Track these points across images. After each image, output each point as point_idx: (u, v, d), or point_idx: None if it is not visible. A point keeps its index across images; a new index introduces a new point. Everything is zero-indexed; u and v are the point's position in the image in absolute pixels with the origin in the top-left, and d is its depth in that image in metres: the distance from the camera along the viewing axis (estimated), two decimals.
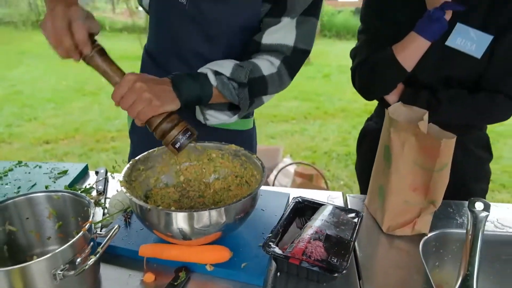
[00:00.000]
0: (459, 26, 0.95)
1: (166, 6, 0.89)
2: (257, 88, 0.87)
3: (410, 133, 0.76)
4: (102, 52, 0.70)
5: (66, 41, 0.66)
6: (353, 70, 1.06)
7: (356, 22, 8.79)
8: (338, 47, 7.88)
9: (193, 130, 0.74)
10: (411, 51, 0.95)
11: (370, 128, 1.21)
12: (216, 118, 0.91)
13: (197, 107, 0.91)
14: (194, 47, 0.91)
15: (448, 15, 0.92)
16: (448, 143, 0.71)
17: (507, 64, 0.95)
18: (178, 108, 0.74)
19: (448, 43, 0.96)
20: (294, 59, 0.89)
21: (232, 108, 0.91)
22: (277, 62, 0.87)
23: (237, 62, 0.85)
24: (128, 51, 5.87)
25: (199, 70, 0.82)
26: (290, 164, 2.42)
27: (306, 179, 2.28)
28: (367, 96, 1.07)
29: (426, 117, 0.79)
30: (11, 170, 1.04)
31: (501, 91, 0.96)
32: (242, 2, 0.86)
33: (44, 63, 6.03)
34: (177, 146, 0.72)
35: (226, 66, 0.82)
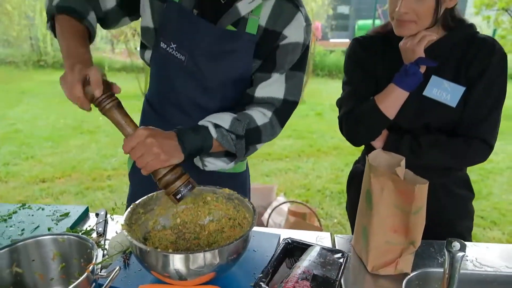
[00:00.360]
0: (433, 78, 1.05)
1: (166, 62, 0.98)
2: (252, 138, 0.96)
3: (388, 178, 0.83)
4: (119, 105, 0.77)
5: (79, 92, 0.73)
6: (340, 119, 1.15)
7: None
8: (330, 86, 8.14)
9: (194, 182, 0.81)
10: (391, 101, 1.04)
11: (357, 171, 1.29)
12: (214, 164, 0.98)
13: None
14: (192, 98, 1.00)
15: (422, 69, 1.02)
16: (422, 188, 0.78)
17: (479, 112, 1.04)
18: (182, 160, 0.81)
19: (425, 93, 1.05)
20: (284, 110, 0.99)
21: (229, 155, 0.98)
22: (269, 113, 0.97)
23: (235, 115, 0.94)
24: (126, 90, 6.02)
25: (200, 123, 0.91)
26: (284, 202, 2.47)
27: (300, 218, 2.32)
28: (355, 143, 1.16)
29: (403, 163, 0.87)
30: (15, 212, 1.09)
31: (476, 136, 1.04)
32: (236, 60, 0.95)
33: (44, 101, 6.16)
34: (178, 197, 0.78)
35: (225, 120, 0.91)
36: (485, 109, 1.03)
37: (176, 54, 0.95)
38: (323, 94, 7.30)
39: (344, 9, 13.78)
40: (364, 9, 11.78)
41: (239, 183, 1.15)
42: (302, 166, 3.87)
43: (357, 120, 1.09)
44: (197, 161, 0.99)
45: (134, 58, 7.27)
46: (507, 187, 3.37)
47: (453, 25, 1.05)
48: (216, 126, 0.90)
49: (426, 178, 1.04)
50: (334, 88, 7.93)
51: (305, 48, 0.98)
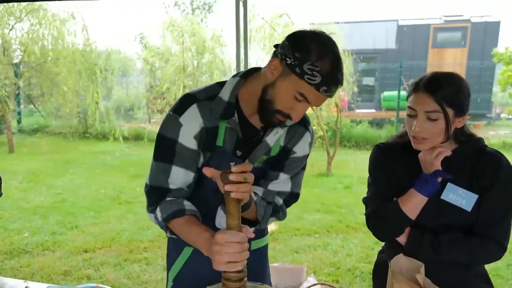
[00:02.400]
0: (449, 185, 1.20)
1: (208, 187, 1.15)
2: (273, 210, 1.17)
3: (409, 285, 0.96)
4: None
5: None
6: (367, 216, 1.30)
7: (373, 133, 9.19)
8: (358, 157, 8.25)
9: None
10: (413, 204, 1.19)
11: (382, 261, 1.40)
12: None
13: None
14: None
15: (439, 179, 1.18)
16: None
17: (493, 217, 1.18)
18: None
19: (443, 197, 1.20)
20: (290, 200, 1.23)
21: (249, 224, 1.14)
22: (280, 200, 1.20)
23: (263, 189, 1.16)
24: None
25: None
26: (315, 284, 2.51)
27: None
28: (381, 239, 1.31)
29: (422, 269, 1.00)
30: None
31: (491, 238, 1.17)
32: (261, 172, 1.18)
33: (87, 171, 6.64)
34: None
35: (258, 190, 1.13)
36: (498, 215, 1.17)
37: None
38: (351, 165, 7.41)
39: (369, 81, 14.31)
40: (388, 81, 12.22)
41: (262, 255, 1.33)
42: (331, 242, 3.89)
43: (382, 220, 1.24)
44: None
45: None
46: None
47: (464, 139, 1.22)
48: (254, 193, 1.10)
49: (448, 271, 1.19)
50: (361, 160, 8.03)
51: (308, 156, 1.23)
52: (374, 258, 3.72)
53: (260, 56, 6.92)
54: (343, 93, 7.96)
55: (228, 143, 1.12)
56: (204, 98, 1.11)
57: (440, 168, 1.18)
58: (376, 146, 1.36)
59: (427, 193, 1.18)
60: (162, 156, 1.11)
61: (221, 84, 1.14)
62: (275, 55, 1.03)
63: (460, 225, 1.20)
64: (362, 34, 13.26)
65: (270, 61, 1.03)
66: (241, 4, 2.78)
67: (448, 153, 1.18)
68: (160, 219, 1.09)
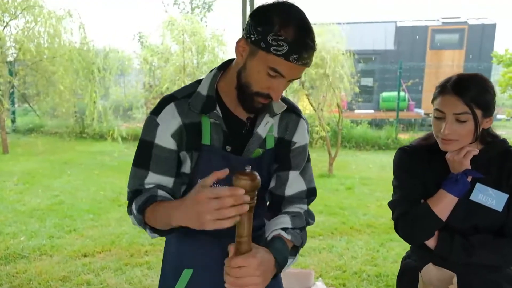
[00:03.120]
0: (478, 185, 1.18)
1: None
2: (304, 228, 1.10)
3: None
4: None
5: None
6: (396, 220, 1.27)
7: (373, 133, 9.20)
8: (358, 158, 8.22)
9: None
10: (443, 205, 1.16)
11: (408, 267, 1.35)
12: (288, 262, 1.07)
13: None
14: None
15: (469, 178, 1.15)
16: None
17: None
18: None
19: (472, 198, 1.17)
20: (310, 198, 1.18)
21: (292, 250, 1.07)
22: (304, 206, 1.15)
23: (288, 214, 1.07)
24: None
25: (272, 235, 1.02)
26: None
27: None
28: (411, 243, 1.27)
29: (455, 280, 0.94)
30: None
31: None
32: (263, 170, 1.11)
33: (85, 172, 6.53)
34: None
35: (285, 222, 1.05)
36: None
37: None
38: (352, 166, 7.36)
39: (368, 81, 14.31)
40: (387, 81, 12.22)
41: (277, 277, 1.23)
42: (336, 245, 3.83)
43: (412, 223, 1.21)
44: None
45: None
46: None
47: (490, 139, 1.22)
48: (285, 229, 1.03)
49: (479, 275, 1.15)
50: (362, 160, 8.00)
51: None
52: (380, 261, 3.66)
53: None
54: (344, 93, 7.92)
55: (216, 139, 1.07)
56: (182, 96, 1.07)
57: (470, 167, 1.16)
58: (400, 149, 1.33)
59: (458, 193, 1.15)
60: (138, 160, 1.08)
61: (200, 82, 1.10)
62: (242, 37, 0.99)
63: (489, 226, 1.17)
64: (361, 35, 13.26)
65: (237, 43, 0.98)
66: (248, 2, 2.71)
67: (476, 152, 1.17)
68: (135, 213, 1.01)
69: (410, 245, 1.37)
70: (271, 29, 0.90)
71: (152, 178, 1.06)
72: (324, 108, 6.52)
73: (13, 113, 10.23)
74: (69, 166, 6.97)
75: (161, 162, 1.05)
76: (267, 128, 1.09)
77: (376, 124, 11.00)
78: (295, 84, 6.31)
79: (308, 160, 1.18)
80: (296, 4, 0.97)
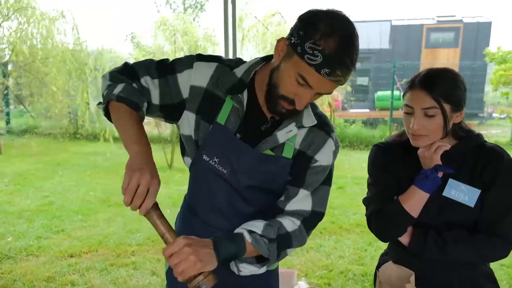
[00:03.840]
0: (451, 181, 1.17)
1: (208, 171, 1.08)
2: (283, 243, 1.04)
3: None
4: (156, 207, 0.90)
5: (139, 203, 0.87)
6: (368, 217, 1.26)
7: (367, 133, 9.20)
8: (352, 157, 8.22)
9: (213, 281, 0.90)
10: (414, 201, 1.16)
11: (386, 263, 1.34)
12: (247, 269, 1.06)
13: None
14: (231, 204, 1.09)
15: (440, 174, 1.14)
16: None
17: (497, 212, 1.14)
18: (215, 267, 0.91)
19: (445, 194, 1.17)
20: (311, 220, 1.09)
21: (260, 261, 1.06)
22: (297, 222, 1.06)
23: (266, 221, 1.04)
24: (157, 162, 6.30)
25: (235, 231, 1.01)
26: None
27: None
28: (383, 240, 1.26)
29: (412, 279, 0.93)
30: None
31: (497, 234, 1.13)
32: (273, 178, 1.07)
33: (77, 173, 6.52)
34: None
35: (258, 226, 1.02)
36: (502, 209, 1.14)
37: (218, 167, 1.06)
38: (345, 166, 7.36)
39: (363, 81, 14.33)
40: (382, 81, 12.22)
41: (270, 281, 1.22)
42: (324, 244, 3.83)
43: (384, 219, 1.20)
44: (232, 266, 1.07)
45: (161, 129, 7.71)
46: None
47: (463, 134, 1.20)
48: (250, 232, 1.00)
49: (452, 270, 1.14)
50: (355, 160, 8.00)
51: (331, 168, 1.11)
52: (367, 260, 3.64)
53: (253, 55, 6.85)
54: (336, 92, 7.92)
55: (232, 123, 1.04)
56: (228, 65, 1.06)
57: (440, 163, 1.15)
58: (375, 146, 1.33)
59: (428, 189, 1.14)
60: (159, 65, 1.07)
61: (243, 62, 1.08)
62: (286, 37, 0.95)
63: (463, 222, 1.17)
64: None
65: (277, 42, 0.95)
66: (229, 1, 2.71)
67: (447, 147, 1.15)
68: (115, 93, 0.99)
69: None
70: (312, 37, 0.86)
71: (151, 84, 1.05)
72: None
73: (8, 114, 10.21)
74: (62, 167, 6.96)
75: (166, 87, 1.05)
76: (288, 136, 1.04)
77: (371, 123, 11.00)
78: None
79: (327, 183, 1.10)
80: (349, 17, 0.92)
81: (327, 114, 7.09)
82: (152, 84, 1.06)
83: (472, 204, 1.14)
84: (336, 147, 1.10)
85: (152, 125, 7.83)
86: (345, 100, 10.58)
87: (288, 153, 1.06)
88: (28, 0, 7.40)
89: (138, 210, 0.88)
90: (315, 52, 0.86)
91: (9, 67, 8.29)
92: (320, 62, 0.86)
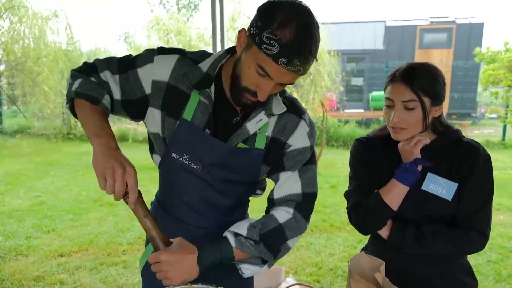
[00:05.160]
0: (429, 175, 1.20)
1: (178, 168, 1.07)
2: (274, 239, 1.02)
3: (366, 285, 0.91)
4: (143, 203, 0.92)
5: (120, 196, 0.88)
6: (349, 210, 1.28)
7: (361, 132, 9.23)
8: (345, 157, 8.21)
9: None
10: (394, 194, 1.17)
11: None
12: (249, 270, 1.05)
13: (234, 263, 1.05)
14: (205, 198, 1.08)
15: (419, 167, 1.17)
16: None
17: (473, 205, 1.17)
18: (197, 276, 0.93)
19: (423, 187, 1.19)
20: (304, 204, 1.06)
21: (264, 260, 1.05)
22: (290, 210, 1.04)
23: (252, 222, 1.03)
24: (147, 161, 6.30)
25: (224, 234, 1.01)
26: (293, 285, 2.46)
27: None
28: (363, 233, 1.28)
29: (382, 268, 0.95)
30: None
31: (473, 227, 1.16)
32: (247, 169, 1.06)
33: (70, 173, 6.49)
34: None
35: (242, 227, 1.01)
36: (478, 203, 1.17)
37: (190, 163, 1.05)
38: (338, 165, 7.39)
39: (358, 81, 14.38)
40: (377, 81, 12.28)
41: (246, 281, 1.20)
42: (315, 242, 3.85)
43: (364, 212, 1.22)
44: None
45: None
46: None
47: (442, 129, 1.23)
48: (236, 234, 1.00)
49: (432, 265, 1.16)
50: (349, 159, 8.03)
51: (312, 148, 1.09)
52: None
53: None
54: (329, 93, 7.95)
55: (199, 119, 1.03)
56: (190, 58, 1.04)
57: (420, 156, 1.17)
58: (356, 140, 1.35)
59: (408, 182, 1.17)
60: (119, 61, 1.06)
61: (208, 55, 1.06)
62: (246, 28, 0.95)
63: (442, 216, 1.19)
64: (351, 34, 13.33)
65: (238, 33, 0.95)
66: (217, 1, 2.72)
67: (427, 141, 1.18)
68: (73, 89, 1.01)
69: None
70: (269, 26, 0.86)
71: (111, 79, 1.04)
72: (308, 107, 6.54)
73: (0, 114, 10.15)
74: (54, 167, 6.93)
75: (127, 82, 1.04)
76: (258, 125, 1.02)
77: (365, 123, 11.05)
78: None
79: (311, 162, 1.09)
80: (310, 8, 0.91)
81: (320, 114, 7.12)
82: (111, 79, 1.05)
83: (449, 197, 1.16)
84: (311, 128, 1.08)
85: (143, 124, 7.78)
86: (340, 100, 10.61)
87: (260, 143, 1.04)
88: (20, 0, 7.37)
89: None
90: (272, 42, 0.85)
91: (1, 67, 8.25)
92: (277, 52, 0.85)
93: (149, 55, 1.05)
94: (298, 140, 1.06)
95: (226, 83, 1.03)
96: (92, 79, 1.04)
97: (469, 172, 1.17)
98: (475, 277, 1.27)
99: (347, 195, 1.31)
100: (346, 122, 10.21)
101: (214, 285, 1.00)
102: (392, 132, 1.20)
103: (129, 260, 3.40)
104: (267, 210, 1.09)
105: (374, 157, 1.27)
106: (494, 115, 7.26)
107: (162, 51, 1.06)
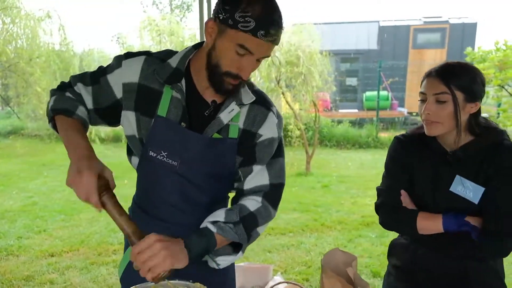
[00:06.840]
0: (457, 178, 1.20)
1: (156, 167, 1.10)
2: (249, 223, 1.07)
3: (337, 279, 0.94)
4: (116, 203, 0.95)
5: (96, 199, 0.92)
6: (378, 206, 1.32)
7: (354, 132, 9.24)
8: (339, 157, 8.29)
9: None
10: (429, 226, 1.20)
11: (397, 243, 1.40)
12: (226, 261, 1.08)
13: (208, 258, 1.08)
14: (184, 195, 1.11)
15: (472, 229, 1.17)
16: None
17: (501, 209, 1.15)
18: (187, 264, 0.94)
19: (451, 189, 1.21)
20: (272, 193, 1.12)
21: (236, 248, 1.09)
22: (259, 198, 1.10)
23: (227, 207, 1.08)
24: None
25: (201, 226, 1.04)
26: (280, 283, 2.48)
27: None
28: (387, 229, 1.32)
29: (354, 263, 0.98)
30: None
31: (503, 230, 1.15)
32: (223, 160, 1.11)
33: (62, 174, 6.48)
34: None
35: (219, 214, 1.05)
36: (507, 207, 1.15)
37: (168, 160, 1.08)
38: (331, 165, 7.43)
39: (352, 81, 14.44)
40: (370, 81, 12.34)
41: (228, 274, 1.24)
42: (305, 241, 3.88)
43: (395, 218, 1.27)
44: (211, 262, 1.09)
45: None
46: None
47: (479, 131, 1.20)
48: (214, 222, 1.03)
49: (461, 266, 1.20)
50: (342, 159, 8.07)
51: (280, 139, 1.15)
52: None
53: None
54: (322, 93, 7.98)
55: (173, 113, 1.07)
56: (156, 57, 1.10)
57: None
58: (395, 138, 1.35)
59: (447, 227, 1.18)
60: (91, 74, 1.12)
61: (175, 53, 1.11)
62: (210, 18, 1.01)
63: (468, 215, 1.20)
64: (345, 35, 13.39)
65: (205, 24, 1.01)
66: (204, 1, 2.74)
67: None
68: (49, 107, 1.08)
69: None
70: (238, 6, 0.93)
71: (83, 89, 1.11)
72: (301, 107, 6.57)
73: None
74: (47, 168, 6.93)
75: (99, 90, 1.10)
76: (231, 115, 1.08)
77: (359, 123, 11.11)
78: (272, 83, 6.36)
79: (279, 155, 1.15)
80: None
81: (312, 114, 7.16)
82: (84, 90, 1.11)
83: (476, 201, 1.17)
84: (279, 120, 1.15)
85: None
86: (333, 100, 10.66)
87: (233, 133, 1.09)
88: (13, 0, 7.33)
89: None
90: (246, 18, 0.93)
91: None
92: (254, 26, 0.93)
93: (117, 61, 1.11)
94: (267, 130, 1.11)
95: (196, 77, 1.08)
96: (67, 94, 1.10)
97: (495, 172, 1.15)
98: (503, 281, 1.26)
99: (378, 191, 1.34)
100: (340, 122, 10.25)
101: (190, 281, 1.02)
102: (425, 126, 1.20)
103: (120, 259, 3.41)
104: (235, 201, 1.13)
105: (409, 156, 1.28)
106: (485, 114, 7.31)
107: (128, 55, 1.11)
